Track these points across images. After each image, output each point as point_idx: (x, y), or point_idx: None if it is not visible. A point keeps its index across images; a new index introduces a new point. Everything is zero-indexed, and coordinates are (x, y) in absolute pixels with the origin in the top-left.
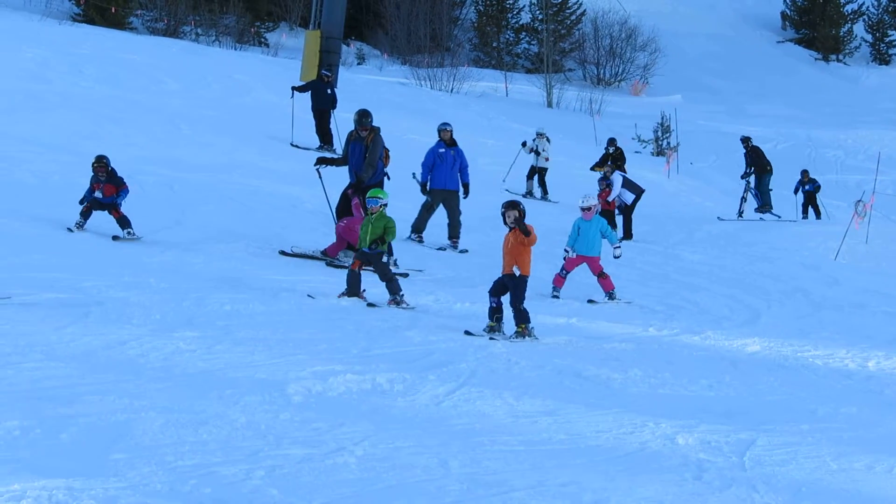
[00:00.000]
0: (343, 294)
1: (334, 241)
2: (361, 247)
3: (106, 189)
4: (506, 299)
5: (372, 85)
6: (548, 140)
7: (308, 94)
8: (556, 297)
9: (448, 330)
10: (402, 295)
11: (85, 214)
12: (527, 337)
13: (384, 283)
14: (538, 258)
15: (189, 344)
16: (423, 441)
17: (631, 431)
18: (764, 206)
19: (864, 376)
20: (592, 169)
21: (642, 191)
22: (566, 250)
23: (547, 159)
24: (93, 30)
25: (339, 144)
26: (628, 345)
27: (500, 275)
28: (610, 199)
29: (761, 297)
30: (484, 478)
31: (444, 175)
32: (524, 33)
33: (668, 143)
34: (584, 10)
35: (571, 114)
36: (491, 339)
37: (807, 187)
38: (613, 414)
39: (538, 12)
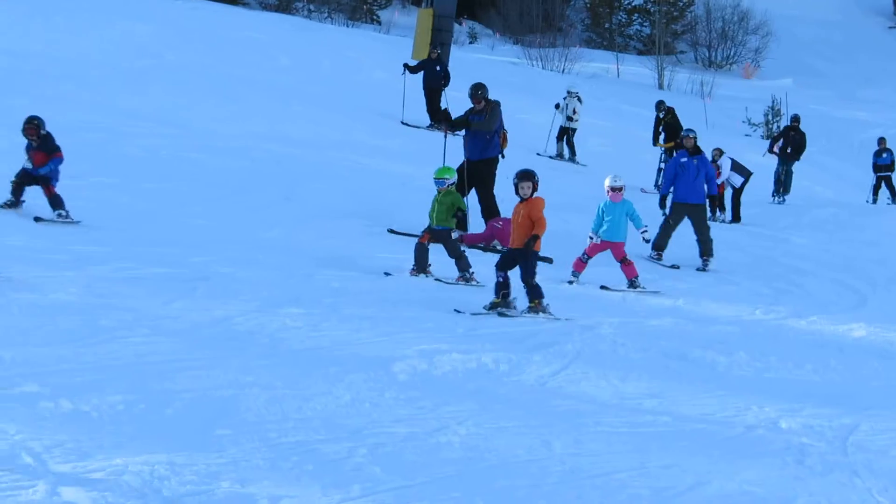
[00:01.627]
0: (413, 270)
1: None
2: (431, 224)
3: (35, 157)
4: (514, 274)
5: (483, 64)
6: (579, 100)
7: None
8: (571, 282)
9: (555, 311)
10: (472, 272)
11: (15, 192)
12: (540, 313)
13: (454, 260)
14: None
15: (295, 321)
16: (527, 421)
17: (735, 415)
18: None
19: None
20: (656, 144)
21: (751, 174)
22: (590, 236)
23: (574, 119)
24: (205, 4)
25: None
26: (734, 328)
27: (509, 248)
28: (719, 182)
29: (868, 283)
30: (586, 459)
31: (687, 187)
32: (636, 15)
33: (779, 127)
34: None
35: (682, 96)
36: (500, 314)
37: (884, 156)
38: (718, 397)
39: None
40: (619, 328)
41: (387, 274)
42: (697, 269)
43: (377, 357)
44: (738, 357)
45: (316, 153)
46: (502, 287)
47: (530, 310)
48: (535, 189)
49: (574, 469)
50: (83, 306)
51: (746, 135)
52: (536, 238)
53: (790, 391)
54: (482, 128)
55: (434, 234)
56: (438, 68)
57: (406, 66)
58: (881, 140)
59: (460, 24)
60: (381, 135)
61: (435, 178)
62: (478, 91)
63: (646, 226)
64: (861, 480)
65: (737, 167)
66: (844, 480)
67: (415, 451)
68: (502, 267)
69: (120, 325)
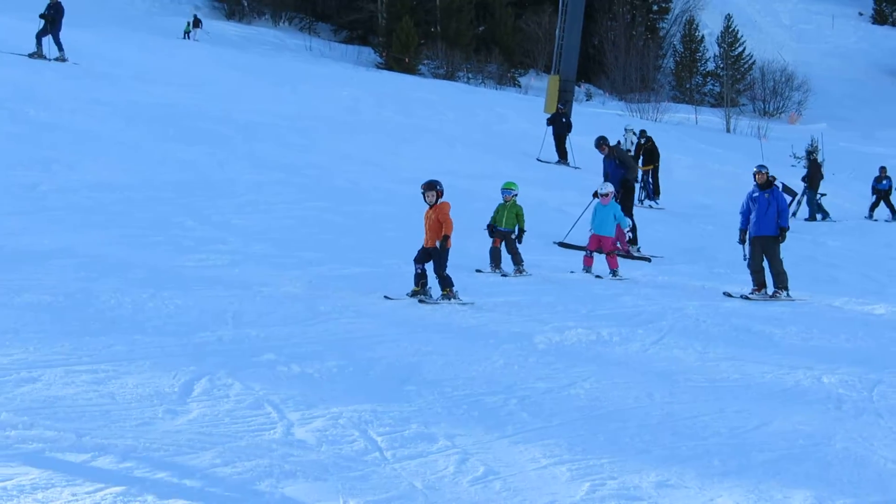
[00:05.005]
0: (492, 267)
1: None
2: (497, 227)
3: None
4: (429, 267)
5: (597, 116)
6: (634, 134)
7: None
8: (573, 273)
9: (653, 297)
10: (524, 264)
11: None
12: (451, 299)
13: (510, 256)
14: None
15: (463, 305)
16: (634, 379)
17: (788, 372)
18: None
19: None
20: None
21: (797, 194)
22: (590, 230)
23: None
24: (391, 75)
25: (573, 160)
26: (786, 309)
27: (424, 246)
28: None
29: (886, 275)
30: (679, 406)
31: (759, 220)
32: (710, 77)
33: (817, 159)
34: (754, 60)
35: (744, 137)
36: (420, 301)
37: (884, 183)
38: (775, 359)
39: (720, 62)
40: (701, 309)
41: (478, 271)
42: (769, 295)
43: (523, 332)
44: (789, 330)
45: (474, 182)
46: (420, 277)
47: (443, 296)
48: (439, 196)
49: (669, 413)
50: (306, 296)
51: (793, 165)
52: (447, 238)
53: (829, 355)
54: (633, 173)
55: (500, 234)
56: (564, 119)
57: (549, 119)
58: (882, 169)
59: (579, 86)
60: (522, 168)
61: (503, 189)
62: (600, 142)
63: (629, 226)
64: (884, 420)
65: (786, 189)
66: (871, 421)
67: (552, 401)
68: (420, 261)
69: (333, 309)
